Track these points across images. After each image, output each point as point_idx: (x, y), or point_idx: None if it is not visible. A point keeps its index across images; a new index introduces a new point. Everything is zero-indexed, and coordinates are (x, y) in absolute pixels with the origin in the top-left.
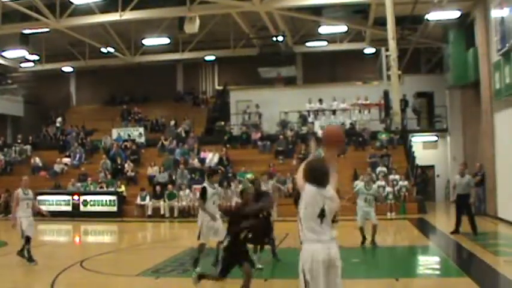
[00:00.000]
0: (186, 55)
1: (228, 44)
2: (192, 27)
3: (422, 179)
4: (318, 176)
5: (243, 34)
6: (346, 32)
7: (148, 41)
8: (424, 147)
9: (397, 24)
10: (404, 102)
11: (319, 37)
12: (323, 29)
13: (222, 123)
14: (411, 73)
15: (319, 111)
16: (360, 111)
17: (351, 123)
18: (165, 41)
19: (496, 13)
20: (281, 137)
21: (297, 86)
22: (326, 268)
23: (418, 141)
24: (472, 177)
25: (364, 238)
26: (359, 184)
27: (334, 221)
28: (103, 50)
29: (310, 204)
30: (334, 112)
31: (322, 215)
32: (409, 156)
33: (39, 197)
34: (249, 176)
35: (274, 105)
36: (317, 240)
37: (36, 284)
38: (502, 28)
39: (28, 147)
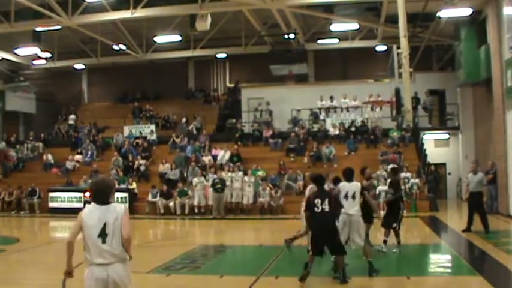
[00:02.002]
0: (198, 52)
1: (240, 41)
2: (204, 25)
3: (434, 177)
4: (96, 193)
5: (254, 31)
6: (358, 29)
7: (159, 39)
8: (435, 145)
9: (409, 22)
10: (415, 100)
11: (330, 34)
12: (334, 27)
13: (234, 120)
14: (423, 71)
15: (330, 108)
16: (371, 109)
17: (362, 121)
18: (177, 38)
19: (508, 10)
20: (292, 134)
21: (309, 83)
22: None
23: (429, 139)
24: (484, 175)
25: None
26: None
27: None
28: (115, 47)
29: (90, 224)
30: (347, 109)
31: (104, 234)
32: (421, 154)
33: (51, 194)
34: (260, 173)
35: (285, 102)
36: (92, 263)
37: (48, 280)
38: None
39: (40, 144)
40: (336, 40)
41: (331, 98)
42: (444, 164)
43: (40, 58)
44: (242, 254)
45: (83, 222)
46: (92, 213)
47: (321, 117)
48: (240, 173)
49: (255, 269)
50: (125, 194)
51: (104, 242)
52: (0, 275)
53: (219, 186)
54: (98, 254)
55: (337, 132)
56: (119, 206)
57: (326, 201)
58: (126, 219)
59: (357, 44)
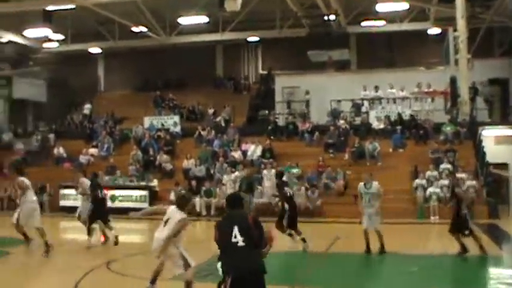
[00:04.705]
0: (227, 36)
1: (274, 23)
2: (234, 5)
3: (494, 179)
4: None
5: (290, 13)
6: (408, 9)
7: (184, 20)
8: (496, 142)
9: (468, 1)
10: (473, 90)
11: (376, 16)
12: (381, 7)
13: (266, 112)
14: (483, 57)
15: (374, 99)
16: (421, 100)
17: (411, 114)
18: (204, 19)
19: None
20: (332, 128)
21: (350, 71)
22: None
23: (489, 135)
24: None
25: (367, 245)
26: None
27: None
28: (134, 29)
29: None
30: (393, 101)
31: (165, 223)
32: (478, 152)
33: (63, 191)
34: (295, 170)
35: (324, 92)
36: (156, 237)
37: (59, 285)
38: None
39: (51, 135)
40: (382, 22)
41: (376, 88)
42: (506, 165)
43: (51, 41)
44: (274, 261)
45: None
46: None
47: (364, 109)
48: (273, 171)
49: (288, 277)
50: (145, 192)
51: (164, 226)
52: (6, 278)
53: (245, 187)
54: (159, 232)
55: (382, 126)
56: (176, 214)
57: None
58: (173, 224)
59: (406, 26)
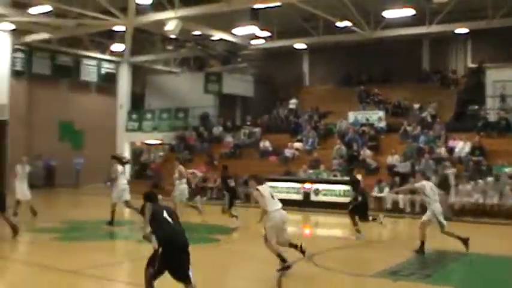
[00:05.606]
0: (433, 28)
1: (485, 13)
2: None
3: None
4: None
5: (502, 1)
6: None
7: (389, 13)
8: None
9: None
10: None
11: None
12: None
13: (476, 107)
14: None
15: None
16: None
17: None
18: (410, 12)
19: None
20: None
21: None
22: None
23: None
24: None
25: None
26: None
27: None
28: (339, 24)
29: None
30: None
31: (272, 197)
32: None
33: (268, 184)
34: (507, 170)
35: None
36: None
37: (262, 274)
38: None
39: (258, 129)
40: None
41: None
42: None
43: (258, 38)
44: (481, 265)
45: (262, 188)
46: (265, 187)
47: None
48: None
49: (499, 284)
50: (348, 187)
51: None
52: (213, 263)
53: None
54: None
55: None
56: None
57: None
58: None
59: None
